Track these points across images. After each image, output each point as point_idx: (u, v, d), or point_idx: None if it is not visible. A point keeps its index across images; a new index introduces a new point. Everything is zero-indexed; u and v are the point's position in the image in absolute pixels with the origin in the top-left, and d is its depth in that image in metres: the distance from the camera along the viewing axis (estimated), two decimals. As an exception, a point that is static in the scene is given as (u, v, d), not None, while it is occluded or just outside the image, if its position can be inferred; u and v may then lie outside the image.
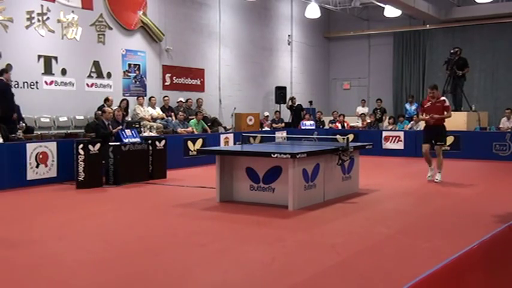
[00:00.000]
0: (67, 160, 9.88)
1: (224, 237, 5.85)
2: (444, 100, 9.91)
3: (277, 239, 5.71)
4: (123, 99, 13.19)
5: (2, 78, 10.39)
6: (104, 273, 4.64)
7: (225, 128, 15.96)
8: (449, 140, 14.49)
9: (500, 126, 15.50)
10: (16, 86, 11.64)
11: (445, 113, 9.86)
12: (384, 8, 18.51)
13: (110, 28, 13.68)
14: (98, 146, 9.52)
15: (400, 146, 15.03)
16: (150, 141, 10.63)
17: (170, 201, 8.00)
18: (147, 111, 13.97)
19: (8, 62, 11.52)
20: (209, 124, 15.03)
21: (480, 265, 2.76)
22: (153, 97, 14.42)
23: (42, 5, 12.12)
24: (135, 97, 14.24)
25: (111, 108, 11.48)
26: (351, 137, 8.73)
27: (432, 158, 10.04)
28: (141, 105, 13.94)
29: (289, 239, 5.73)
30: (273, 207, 7.35)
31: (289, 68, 20.53)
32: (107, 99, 12.62)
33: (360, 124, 18.11)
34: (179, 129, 13.76)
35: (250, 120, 17.17)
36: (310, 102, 20.76)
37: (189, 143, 12.85)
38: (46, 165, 9.76)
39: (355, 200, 8.10)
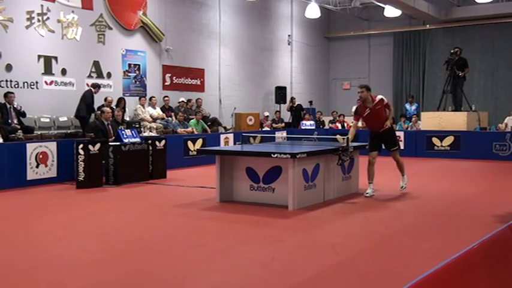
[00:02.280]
0: (67, 160, 9.88)
1: (224, 237, 5.85)
2: (382, 99, 8.38)
3: (277, 239, 5.70)
4: (120, 98, 13.18)
5: (91, 88, 12.30)
6: (104, 273, 4.64)
7: (225, 128, 15.97)
8: (449, 140, 14.53)
9: (505, 122, 15.47)
10: (16, 86, 11.65)
11: (387, 111, 8.44)
12: (384, 8, 18.51)
13: (110, 28, 13.68)
14: (98, 146, 9.51)
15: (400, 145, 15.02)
16: (150, 141, 10.63)
17: (170, 201, 7.99)
18: (148, 112, 13.98)
19: (8, 62, 11.53)
20: (209, 124, 15.04)
21: (480, 265, 2.76)
22: (153, 97, 14.43)
23: (42, 5, 12.12)
24: (136, 97, 14.26)
25: (110, 108, 11.48)
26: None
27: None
28: (143, 106, 13.96)
29: (289, 239, 5.73)
30: (273, 207, 7.35)
31: (289, 68, 20.53)
32: (105, 100, 12.62)
33: (360, 124, 18.07)
34: (179, 129, 13.76)
35: (250, 120, 17.18)
36: (310, 102, 20.76)
37: (189, 143, 12.84)
38: (46, 165, 9.76)
39: (355, 200, 8.10)
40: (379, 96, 8.51)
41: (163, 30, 15.01)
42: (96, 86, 12.44)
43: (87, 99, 12.09)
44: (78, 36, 12.90)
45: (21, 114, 11.15)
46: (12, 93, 11.16)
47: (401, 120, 17.26)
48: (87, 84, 12.68)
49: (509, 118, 15.47)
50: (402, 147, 14.92)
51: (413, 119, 16.74)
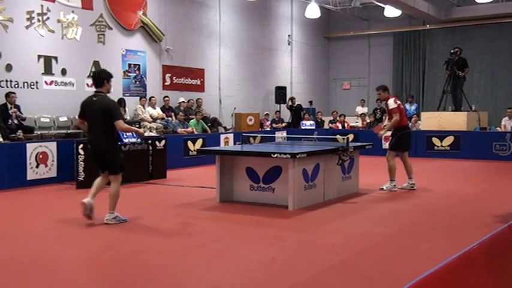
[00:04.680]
0: (67, 160, 9.88)
1: (224, 237, 5.85)
2: (387, 104, 8.81)
3: (277, 239, 5.70)
4: (120, 99, 13.20)
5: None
6: (104, 273, 4.64)
7: (225, 128, 15.97)
8: (449, 140, 14.53)
9: (502, 124, 15.47)
10: (16, 86, 11.64)
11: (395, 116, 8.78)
12: (384, 8, 18.52)
13: (110, 28, 13.68)
14: (98, 146, 9.50)
15: (400, 146, 15.01)
16: (150, 141, 10.62)
17: (170, 201, 7.99)
18: (148, 112, 13.97)
19: (8, 62, 11.53)
20: (209, 124, 15.04)
21: (480, 265, 2.76)
22: (153, 97, 14.42)
23: (42, 5, 12.12)
24: (136, 97, 14.26)
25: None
26: (351, 137, 8.72)
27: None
28: (143, 106, 13.95)
29: (289, 239, 5.73)
30: (273, 207, 7.35)
31: (289, 68, 20.53)
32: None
33: (359, 124, 18.12)
34: (179, 129, 13.76)
35: (250, 120, 17.18)
36: (310, 102, 20.77)
37: (189, 143, 12.84)
38: (46, 165, 9.75)
39: (355, 200, 8.10)
40: (389, 101, 8.84)
41: (163, 30, 15.01)
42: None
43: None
44: (78, 36, 12.90)
45: (22, 119, 11.21)
46: (14, 93, 11.18)
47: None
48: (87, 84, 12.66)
49: (505, 119, 15.46)
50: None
51: (413, 119, 16.74)
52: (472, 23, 19.61)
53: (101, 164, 6.51)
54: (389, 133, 9.30)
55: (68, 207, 7.72)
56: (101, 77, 6.46)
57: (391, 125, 8.83)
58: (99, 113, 6.31)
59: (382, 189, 8.95)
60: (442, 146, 14.58)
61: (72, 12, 12.74)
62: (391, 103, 8.76)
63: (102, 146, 6.45)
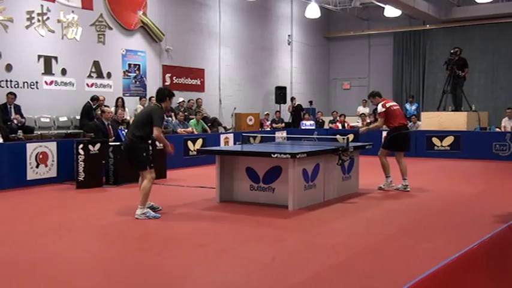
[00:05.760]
0: (67, 160, 9.87)
1: (224, 237, 5.85)
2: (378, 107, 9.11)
3: (277, 239, 5.70)
4: (118, 98, 13.20)
5: (89, 101, 12.61)
6: (104, 273, 4.64)
7: (225, 128, 15.96)
8: (449, 140, 14.53)
9: (502, 125, 15.46)
10: (16, 86, 11.65)
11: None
12: (384, 8, 18.52)
13: (110, 28, 13.68)
14: (98, 146, 9.51)
15: (400, 146, 14.98)
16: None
17: (170, 201, 7.99)
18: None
19: (8, 62, 11.54)
20: (209, 124, 15.03)
21: (480, 265, 2.76)
22: (153, 97, 14.36)
23: (42, 5, 12.13)
24: (136, 97, 14.26)
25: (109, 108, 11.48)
26: (351, 137, 8.76)
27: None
28: (143, 106, 13.94)
29: (289, 239, 5.73)
30: (273, 207, 7.35)
31: (289, 68, 20.54)
32: (96, 98, 12.67)
33: (360, 124, 18.11)
34: (179, 130, 13.76)
35: (250, 120, 17.18)
36: (310, 102, 20.76)
37: (189, 143, 12.84)
38: (46, 165, 9.75)
39: (355, 200, 8.10)
40: (379, 105, 9.00)
41: (163, 30, 15.01)
42: (95, 99, 12.70)
43: (87, 112, 12.45)
44: (78, 36, 12.90)
45: (22, 123, 11.24)
46: (13, 93, 11.17)
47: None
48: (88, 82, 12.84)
49: (505, 119, 15.46)
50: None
51: (413, 119, 16.74)
52: (472, 23, 19.62)
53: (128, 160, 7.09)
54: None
55: (68, 207, 7.73)
56: (164, 94, 7.01)
57: (373, 128, 9.58)
58: (142, 114, 7.00)
59: (381, 188, 8.98)
60: (442, 146, 14.58)
61: (72, 12, 12.74)
62: (379, 108, 8.99)
63: (125, 141, 7.06)
